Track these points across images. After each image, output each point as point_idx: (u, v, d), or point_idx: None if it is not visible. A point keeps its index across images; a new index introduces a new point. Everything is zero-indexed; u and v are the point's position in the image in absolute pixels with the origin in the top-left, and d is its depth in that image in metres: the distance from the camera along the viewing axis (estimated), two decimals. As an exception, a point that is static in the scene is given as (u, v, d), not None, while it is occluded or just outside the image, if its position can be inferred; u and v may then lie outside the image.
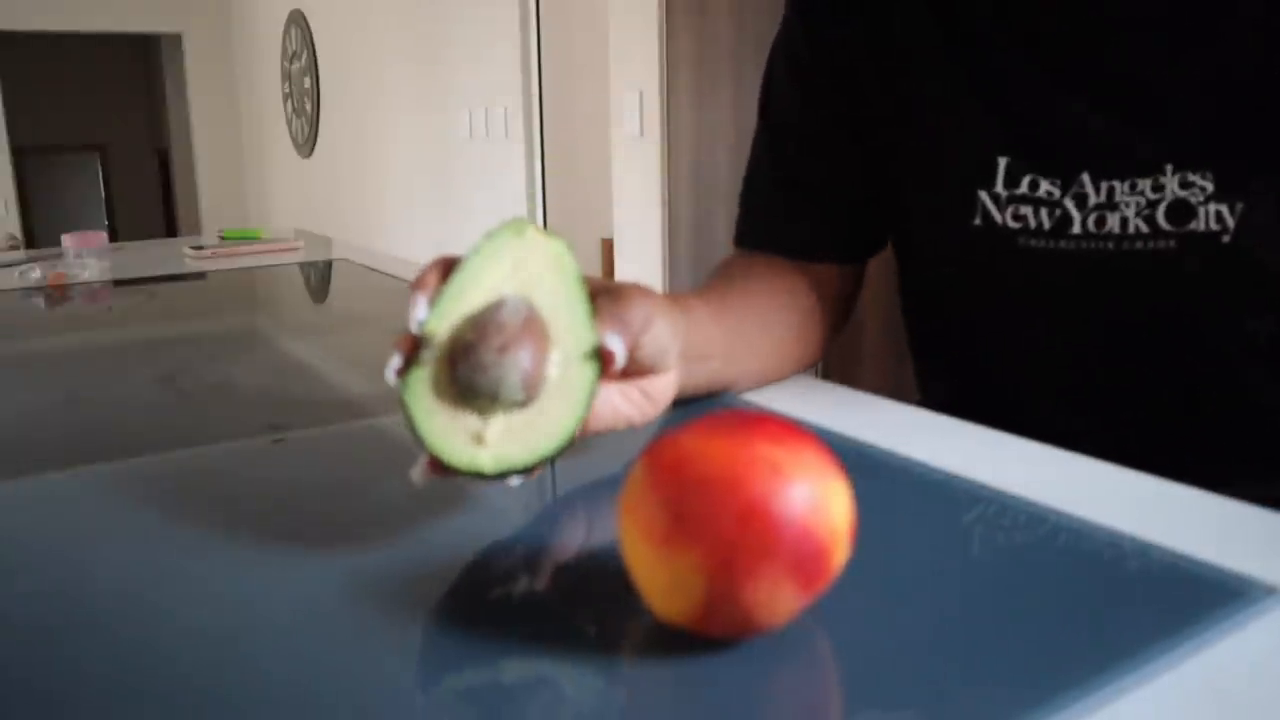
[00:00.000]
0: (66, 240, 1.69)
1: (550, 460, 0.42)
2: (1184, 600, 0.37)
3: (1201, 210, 0.60)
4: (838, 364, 1.95)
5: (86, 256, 1.64)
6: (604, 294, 0.47)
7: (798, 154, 0.76)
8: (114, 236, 1.97)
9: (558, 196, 3.41)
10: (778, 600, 0.33)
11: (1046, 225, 0.65)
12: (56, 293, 1.31)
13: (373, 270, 1.44)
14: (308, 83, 5.31)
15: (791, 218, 0.76)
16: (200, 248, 1.69)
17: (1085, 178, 0.62)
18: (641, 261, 2.66)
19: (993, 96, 0.66)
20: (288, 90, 5.72)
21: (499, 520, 0.46)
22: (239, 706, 0.31)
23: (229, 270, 1.50)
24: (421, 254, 4.03)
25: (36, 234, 7.29)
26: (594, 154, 3.32)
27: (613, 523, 0.44)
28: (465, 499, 0.48)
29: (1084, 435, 0.55)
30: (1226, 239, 0.60)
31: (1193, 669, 0.33)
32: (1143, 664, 0.32)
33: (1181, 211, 0.60)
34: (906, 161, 0.72)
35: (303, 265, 1.53)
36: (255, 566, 0.41)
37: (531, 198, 3.35)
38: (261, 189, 6.69)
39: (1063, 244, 0.64)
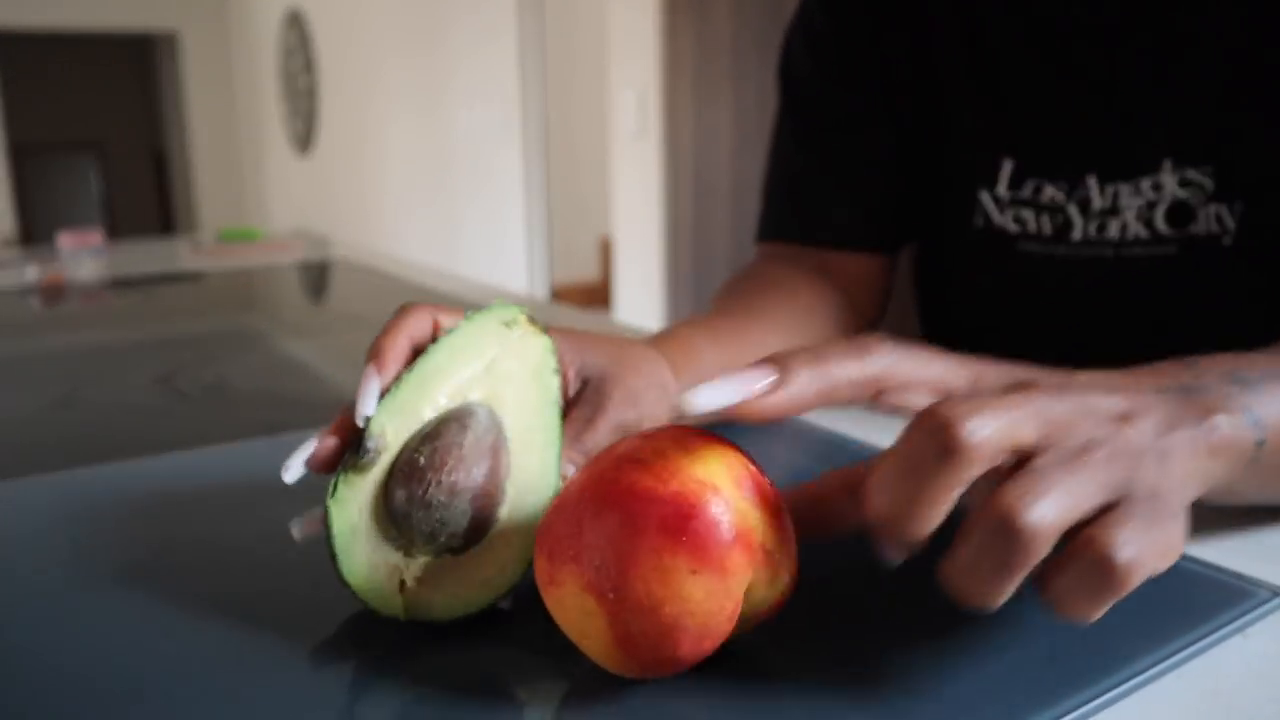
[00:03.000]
0: (63, 239, 1.69)
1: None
2: (1187, 602, 0.37)
3: (1201, 212, 0.59)
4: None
5: (83, 255, 1.63)
6: (580, 405, 0.43)
7: (823, 132, 0.72)
8: (111, 235, 1.97)
9: (557, 196, 3.41)
10: (684, 584, 0.29)
11: (1048, 230, 0.64)
12: (53, 292, 1.31)
13: (371, 270, 1.43)
14: (305, 81, 5.31)
15: (820, 202, 0.72)
16: (198, 247, 1.69)
17: (1092, 181, 0.62)
18: (641, 261, 2.66)
19: (1001, 95, 0.65)
20: (285, 89, 5.72)
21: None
22: (241, 704, 0.31)
23: (226, 270, 1.50)
24: (420, 253, 4.03)
25: (33, 232, 7.28)
26: (593, 154, 3.32)
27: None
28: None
29: None
30: (1227, 241, 0.59)
31: (1196, 671, 0.33)
32: (1146, 666, 0.32)
33: (1181, 214, 0.59)
34: (917, 150, 0.70)
35: (300, 265, 1.53)
36: (254, 566, 0.41)
37: (530, 197, 3.34)
38: (259, 188, 6.68)
39: (1061, 249, 0.64)
